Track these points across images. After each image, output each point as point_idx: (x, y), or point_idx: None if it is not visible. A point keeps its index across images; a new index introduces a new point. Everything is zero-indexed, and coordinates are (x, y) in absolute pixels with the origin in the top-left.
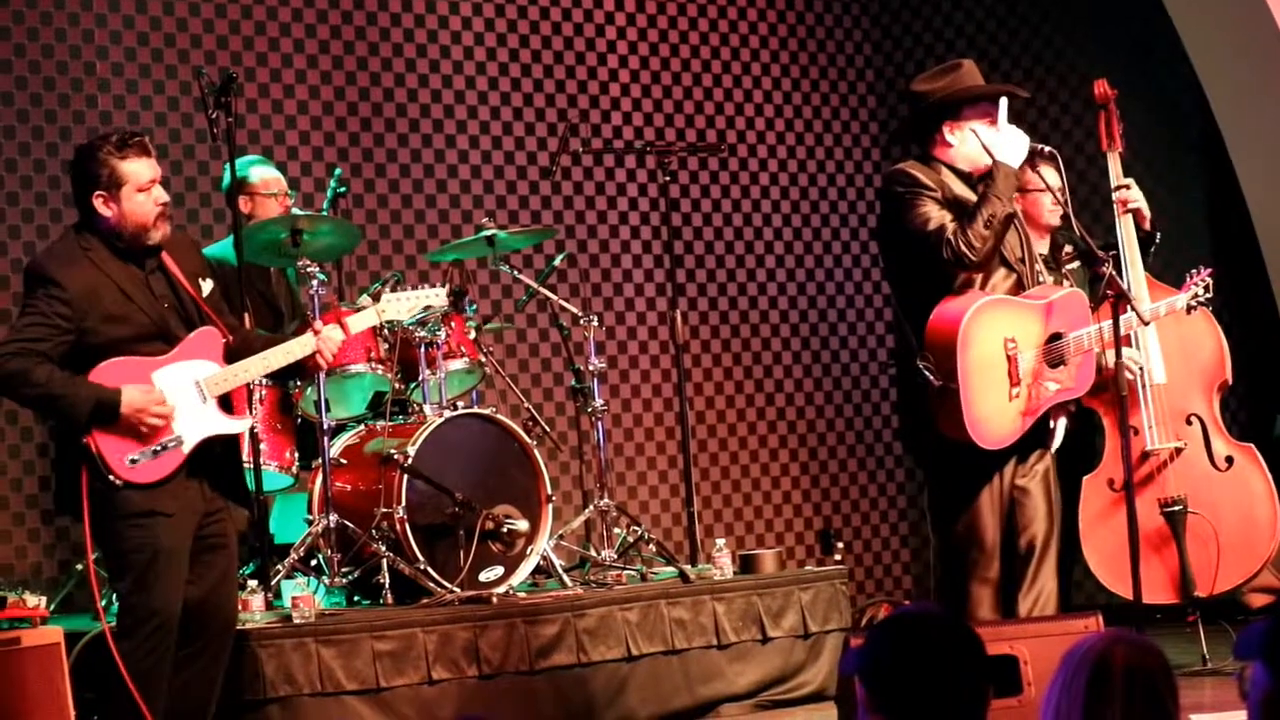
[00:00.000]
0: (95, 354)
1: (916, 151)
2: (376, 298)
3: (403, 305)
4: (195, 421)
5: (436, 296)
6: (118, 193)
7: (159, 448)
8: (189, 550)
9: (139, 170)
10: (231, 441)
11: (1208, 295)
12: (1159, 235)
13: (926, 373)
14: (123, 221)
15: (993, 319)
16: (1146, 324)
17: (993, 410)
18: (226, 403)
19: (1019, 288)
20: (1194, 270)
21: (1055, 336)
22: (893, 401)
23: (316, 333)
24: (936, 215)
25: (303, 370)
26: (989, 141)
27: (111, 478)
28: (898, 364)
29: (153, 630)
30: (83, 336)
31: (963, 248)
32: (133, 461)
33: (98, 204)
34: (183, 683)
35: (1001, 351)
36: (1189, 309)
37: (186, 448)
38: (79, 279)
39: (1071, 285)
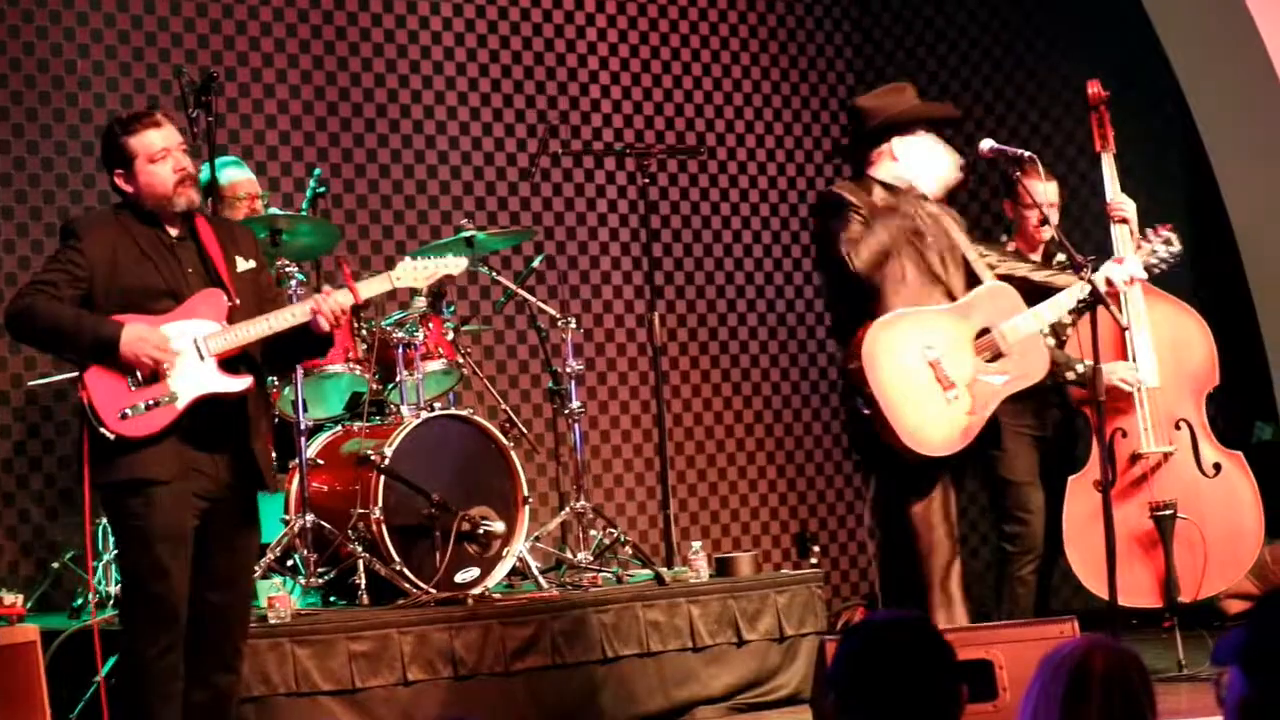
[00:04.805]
0: (105, 302)
1: (848, 172)
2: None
3: (420, 272)
4: (191, 379)
5: (456, 265)
6: (132, 167)
7: (152, 402)
8: (191, 529)
9: (148, 141)
10: (245, 421)
11: (1171, 251)
12: None
13: (859, 403)
14: (141, 194)
15: (897, 335)
16: (1126, 328)
17: (931, 419)
18: (229, 365)
19: (949, 298)
20: (1151, 228)
21: (984, 332)
22: None
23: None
24: (854, 232)
25: (314, 343)
26: (924, 157)
27: (104, 430)
28: (841, 380)
29: (154, 623)
30: (94, 284)
31: (850, 253)
32: (124, 415)
33: (119, 182)
34: (198, 677)
35: (921, 361)
36: (1149, 270)
37: (180, 404)
38: (100, 234)
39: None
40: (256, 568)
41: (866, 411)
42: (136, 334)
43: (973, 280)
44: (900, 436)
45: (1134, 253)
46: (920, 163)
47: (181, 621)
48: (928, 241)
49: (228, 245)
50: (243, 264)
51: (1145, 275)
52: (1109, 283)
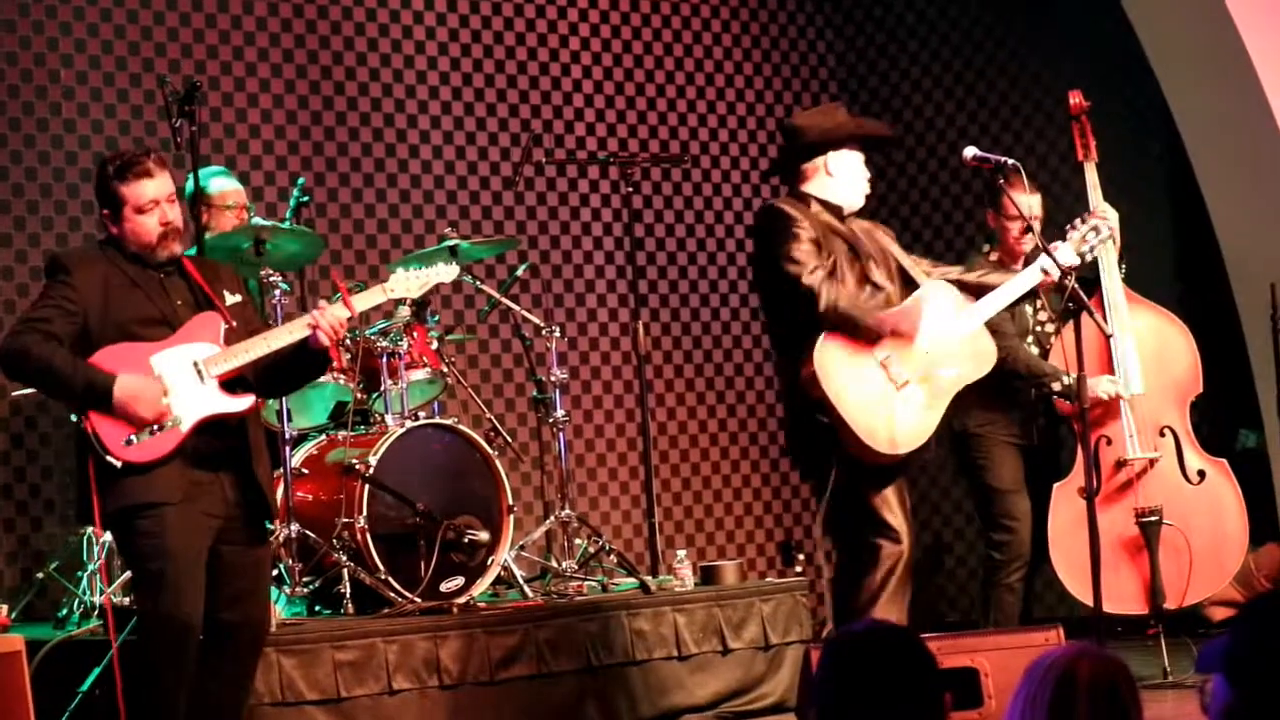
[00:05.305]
0: (100, 335)
1: (785, 190)
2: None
3: (413, 282)
4: (194, 401)
5: (448, 274)
6: (119, 213)
7: (157, 427)
8: (205, 550)
9: (139, 191)
10: (245, 447)
11: (1102, 236)
12: (1124, 267)
13: (820, 419)
14: (124, 240)
15: (845, 341)
16: (1110, 336)
17: (887, 419)
18: (229, 387)
19: (889, 305)
20: (1080, 216)
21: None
22: None
23: (320, 310)
24: (811, 263)
25: (312, 361)
26: (856, 174)
27: (110, 458)
28: (783, 395)
29: (167, 640)
30: (89, 319)
31: (825, 311)
32: (129, 442)
33: (105, 222)
34: (208, 695)
35: (872, 364)
36: (1082, 257)
37: (185, 427)
38: (89, 267)
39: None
40: None
41: (825, 420)
42: (129, 388)
43: (910, 286)
44: (860, 438)
45: (1067, 240)
46: (852, 178)
47: (195, 638)
48: (865, 253)
49: (214, 282)
50: (230, 298)
51: (1078, 262)
52: (1045, 272)
